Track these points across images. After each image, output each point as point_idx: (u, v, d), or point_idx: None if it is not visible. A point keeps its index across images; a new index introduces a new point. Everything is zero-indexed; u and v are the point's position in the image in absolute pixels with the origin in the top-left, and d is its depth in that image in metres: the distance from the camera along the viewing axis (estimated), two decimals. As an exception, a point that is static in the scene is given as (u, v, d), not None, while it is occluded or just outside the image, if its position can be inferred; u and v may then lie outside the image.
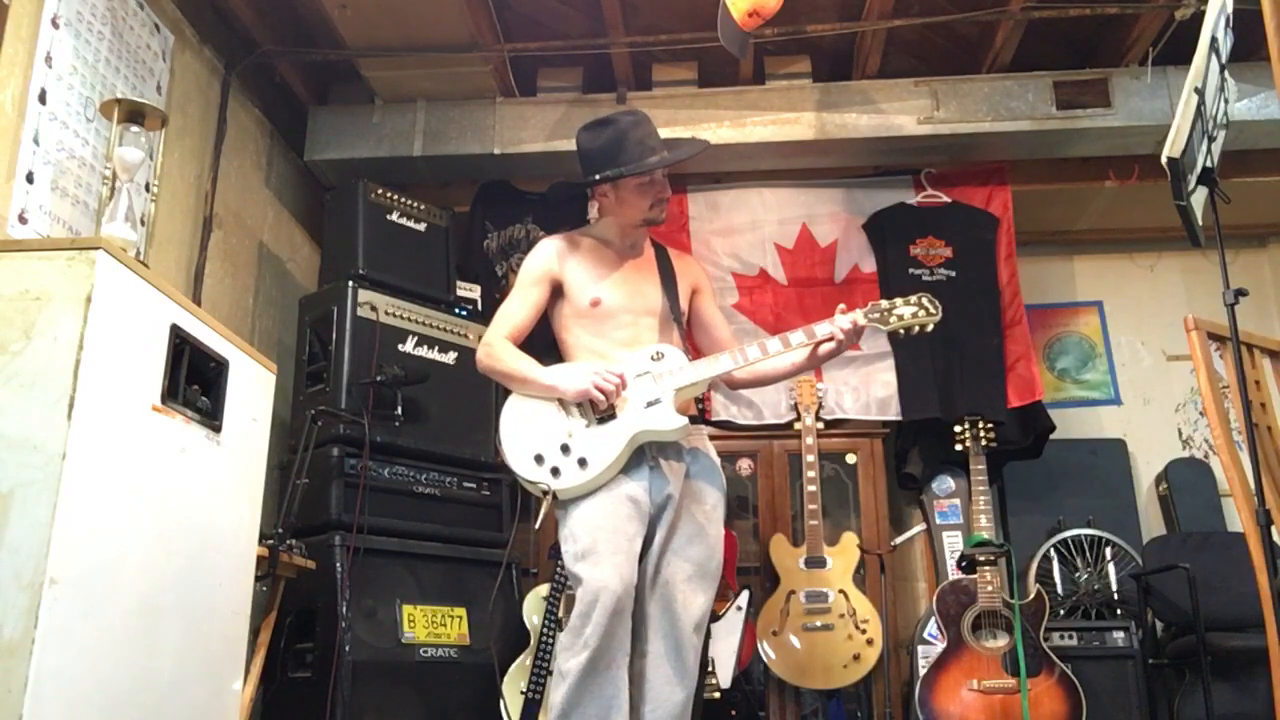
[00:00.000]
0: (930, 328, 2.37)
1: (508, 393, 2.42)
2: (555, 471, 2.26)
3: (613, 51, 3.93)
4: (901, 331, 2.37)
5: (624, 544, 2.22)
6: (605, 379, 2.27)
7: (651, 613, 2.28)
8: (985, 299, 4.12)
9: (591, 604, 2.14)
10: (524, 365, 2.38)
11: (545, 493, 2.26)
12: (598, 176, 2.42)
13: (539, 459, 2.28)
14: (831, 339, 2.34)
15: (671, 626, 2.26)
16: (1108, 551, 3.96)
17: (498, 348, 2.41)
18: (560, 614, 3.34)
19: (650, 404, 2.31)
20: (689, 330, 2.58)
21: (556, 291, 2.49)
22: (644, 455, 2.33)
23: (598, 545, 2.20)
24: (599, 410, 2.30)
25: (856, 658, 3.48)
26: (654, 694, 2.23)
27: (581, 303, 2.44)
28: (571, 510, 2.29)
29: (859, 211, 4.28)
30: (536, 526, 2.32)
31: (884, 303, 2.39)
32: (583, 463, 2.26)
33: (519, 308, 2.46)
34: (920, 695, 3.36)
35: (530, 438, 2.32)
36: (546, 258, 2.49)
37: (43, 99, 2.61)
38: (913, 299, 2.38)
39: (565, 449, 2.28)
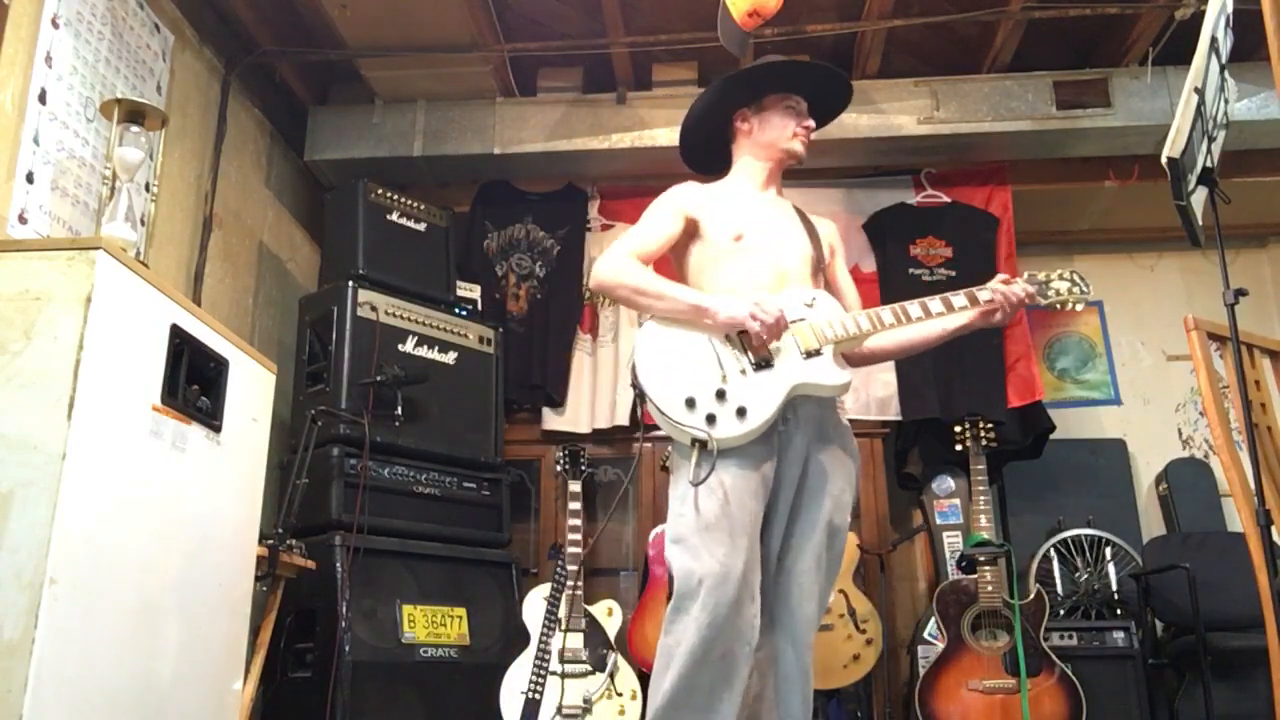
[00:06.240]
0: (1080, 308, 2.29)
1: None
2: (710, 419, 2.01)
3: (613, 51, 3.93)
4: (1058, 306, 2.28)
5: (748, 524, 2.03)
6: (765, 310, 2.04)
7: (773, 609, 2.10)
8: (985, 299, 4.12)
9: (696, 589, 1.96)
10: (663, 281, 2.14)
11: (695, 441, 2.01)
12: (741, 99, 2.34)
13: (691, 403, 2.03)
14: (994, 305, 2.21)
15: (792, 625, 2.09)
16: (1108, 551, 3.96)
17: (628, 263, 2.15)
18: (560, 614, 3.34)
19: (810, 354, 2.11)
20: None
21: (689, 234, 2.28)
22: (778, 419, 2.10)
23: (721, 525, 2.00)
24: (757, 355, 2.09)
25: (856, 658, 3.48)
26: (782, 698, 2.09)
27: (723, 238, 2.24)
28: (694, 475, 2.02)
29: (859, 211, 4.28)
30: (692, 480, 2.00)
31: (1040, 275, 2.30)
32: (741, 413, 2.02)
33: (653, 235, 2.23)
34: (920, 695, 3.36)
35: (680, 377, 2.06)
36: (684, 195, 2.30)
37: (43, 99, 2.61)
38: (1066, 274, 2.29)
39: (721, 395, 2.04)
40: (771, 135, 2.36)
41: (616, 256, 2.18)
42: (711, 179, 2.43)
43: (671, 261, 2.33)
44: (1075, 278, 2.29)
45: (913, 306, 2.19)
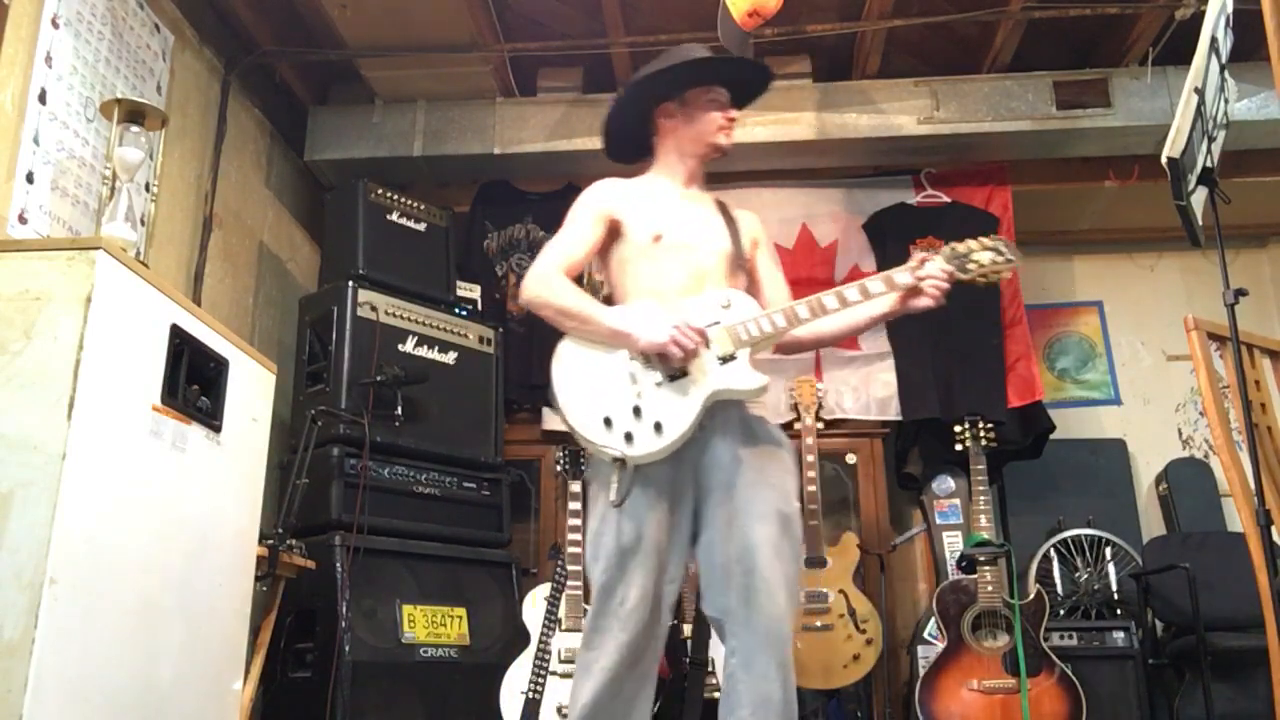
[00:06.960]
0: (1008, 276, 2.18)
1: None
2: (629, 438, 2.02)
3: (613, 51, 3.93)
4: (980, 281, 2.17)
5: (664, 543, 2.04)
6: (687, 335, 2.02)
7: (740, 612, 2.04)
8: (985, 299, 4.11)
9: (617, 609, 1.99)
10: (587, 304, 2.14)
11: (615, 460, 2.02)
12: (664, 91, 2.28)
13: (608, 422, 2.04)
14: (917, 289, 2.14)
15: (763, 622, 2.03)
16: (1108, 551, 3.96)
17: (557, 281, 2.15)
18: (560, 614, 3.34)
19: (725, 360, 2.08)
20: None
21: (612, 233, 2.26)
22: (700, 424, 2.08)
23: (638, 546, 2.01)
24: (671, 367, 2.06)
25: (856, 658, 3.48)
26: (752, 694, 2.02)
27: (643, 238, 2.22)
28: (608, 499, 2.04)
29: (859, 211, 4.28)
30: (613, 500, 2.01)
31: (961, 246, 2.19)
32: (658, 428, 2.02)
33: (577, 243, 2.22)
34: (920, 695, 3.36)
35: (595, 396, 2.08)
36: (604, 195, 2.28)
37: (43, 99, 2.61)
38: (988, 241, 2.18)
39: (637, 411, 2.03)
40: (697, 130, 2.31)
41: (544, 272, 2.17)
42: (637, 171, 2.40)
43: (600, 256, 2.31)
44: (1001, 245, 2.17)
45: (829, 298, 2.15)
